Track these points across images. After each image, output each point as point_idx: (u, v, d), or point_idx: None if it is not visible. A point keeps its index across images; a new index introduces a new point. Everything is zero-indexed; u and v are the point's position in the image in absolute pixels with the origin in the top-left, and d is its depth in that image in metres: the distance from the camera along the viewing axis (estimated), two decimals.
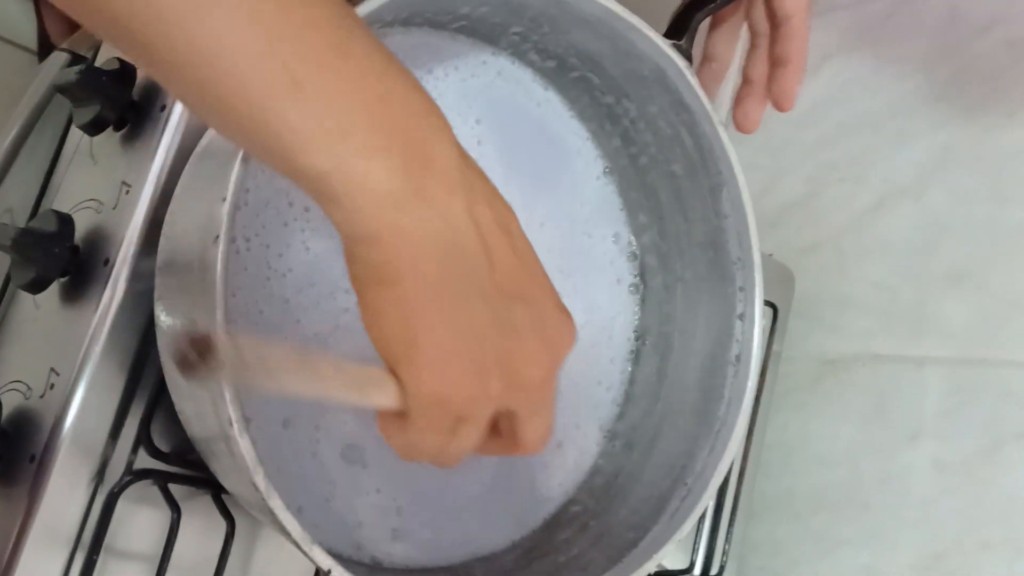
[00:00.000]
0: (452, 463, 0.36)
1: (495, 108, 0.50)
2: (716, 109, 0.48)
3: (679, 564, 0.58)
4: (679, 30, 0.48)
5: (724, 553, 0.59)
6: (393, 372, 0.33)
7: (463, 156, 0.33)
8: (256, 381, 0.31)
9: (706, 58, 0.53)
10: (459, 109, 0.49)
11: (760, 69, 0.51)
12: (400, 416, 0.34)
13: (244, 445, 0.35)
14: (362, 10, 0.38)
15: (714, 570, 0.59)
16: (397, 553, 0.47)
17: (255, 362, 0.31)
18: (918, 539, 0.60)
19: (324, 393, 0.34)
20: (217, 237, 0.35)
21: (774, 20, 0.50)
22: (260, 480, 0.35)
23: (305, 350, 0.33)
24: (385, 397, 0.33)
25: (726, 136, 0.47)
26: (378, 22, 0.42)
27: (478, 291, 0.33)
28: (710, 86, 0.52)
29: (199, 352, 0.29)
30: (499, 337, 0.34)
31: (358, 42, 0.30)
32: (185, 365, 0.29)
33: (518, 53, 0.50)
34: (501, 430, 0.36)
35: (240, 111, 0.29)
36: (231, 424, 0.34)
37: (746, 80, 0.52)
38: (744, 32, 0.53)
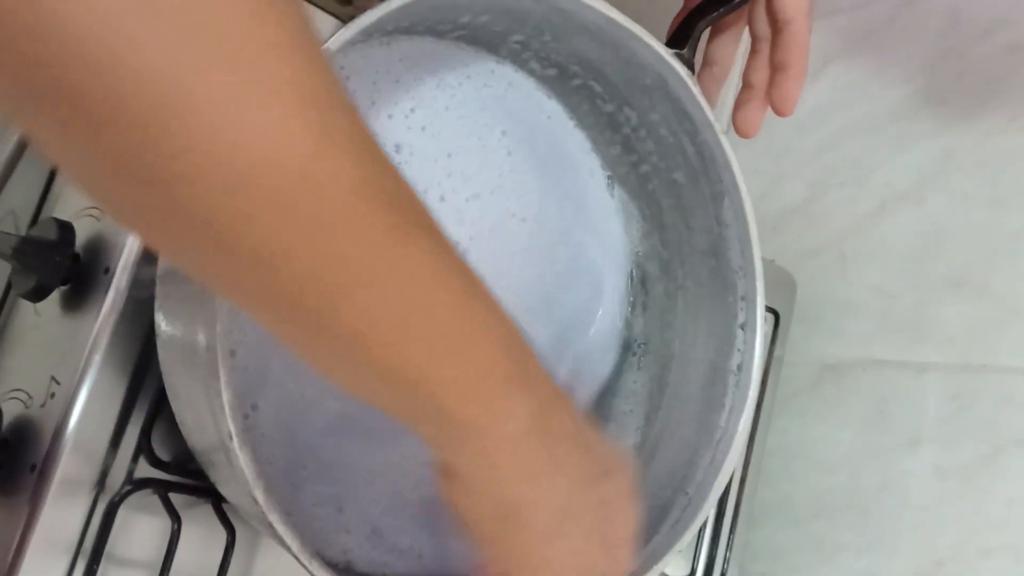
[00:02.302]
0: None
1: (513, 118, 0.50)
2: (717, 115, 0.48)
3: (680, 571, 0.58)
4: (681, 39, 0.48)
5: (725, 560, 0.59)
6: None
7: (547, 376, 0.34)
8: None
9: (706, 62, 0.52)
10: (484, 120, 0.49)
11: (761, 74, 0.51)
12: None
13: (243, 459, 0.35)
14: (364, 21, 0.38)
15: None
16: (392, 565, 0.47)
17: None
18: (918, 545, 0.60)
19: None
20: None
21: (775, 24, 0.50)
22: (259, 494, 0.35)
23: None
24: None
25: (728, 145, 0.47)
26: (379, 31, 0.42)
27: (577, 492, 0.35)
28: (711, 90, 0.52)
29: None
30: (598, 521, 0.37)
31: (471, 279, 0.30)
32: None
33: (519, 62, 0.50)
34: None
35: (381, 372, 0.29)
36: (231, 438, 0.34)
37: (746, 85, 0.51)
38: (745, 36, 0.53)
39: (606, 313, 0.53)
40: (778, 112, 0.51)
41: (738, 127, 0.51)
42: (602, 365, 0.53)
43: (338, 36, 0.37)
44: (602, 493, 0.37)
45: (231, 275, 0.26)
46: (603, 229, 0.53)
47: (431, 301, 0.28)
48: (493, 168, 0.50)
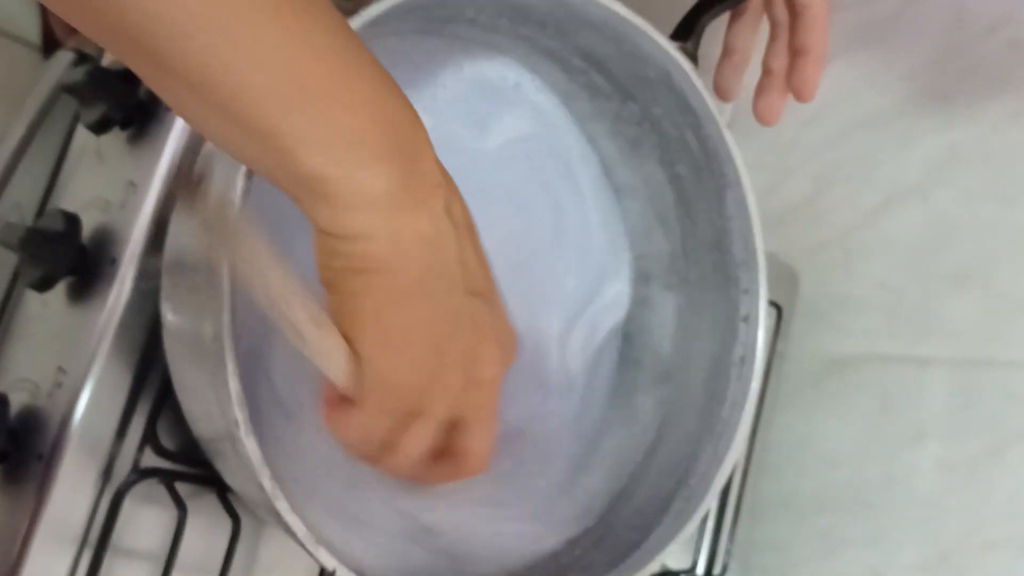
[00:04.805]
0: (398, 466, 0.37)
1: (513, 114, 0.50)
2: (721, 109, 0.48)
3: (682, 564, 0.58)
4: (685, 32, 0.48)
5: (727, 553, 0.60)
6: (352, 348, 0.34)
7: (438, 162, 0.34)
8: (221, 254, 0.31)
9: (726, 51, 0.52)
10: (482, 116, 0.49)
11: (780, 60, 0.51)
12: (348, 401, 0.35)
13: (250, 446, 0.35)
14: (372, 11, 0.38)
15: (717, 569, 0.59)
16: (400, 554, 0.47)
17: (231, 237, 0.31)
18: (922, 539, 0.60)
19: (279, 318, 0.33)
20: None
21: (793, 9, 0.50)
22: (266, 481, 0.35)
23: (292, 277, 0.33)
24: (336, 365, 0.34)
25: (731, 138, 0.48)
26: (379, 31, 0.42)
27: (450, 286, 0.34)
28: (731, 79, 0.52)
29: (186, 191, 0.29)
30: (462, 332, 0.35)
31: (357, 52, 0.32)
32: (177, 191, 0.29)
33: (523, 55, 0.50)
34: (446, 452, 0.37)
35: (247, 118, 0.30)
36: (237, 426, 0.35)
37: (766, 71, 0.51)
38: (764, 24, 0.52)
39: (608, 305, 0.53)
40: (799, 97, 0.50)
41: (759, 114, 0.51)
42: (607, 357, 0.53)
43: None
44: (475, 314, 0.36)
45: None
46: (601, 222, 0.54)
47: (289, 56, 0.29)
48: (490, 165, 0.50)
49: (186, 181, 0.30)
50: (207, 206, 0.30)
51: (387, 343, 0.34)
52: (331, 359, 0.34)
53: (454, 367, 0.35)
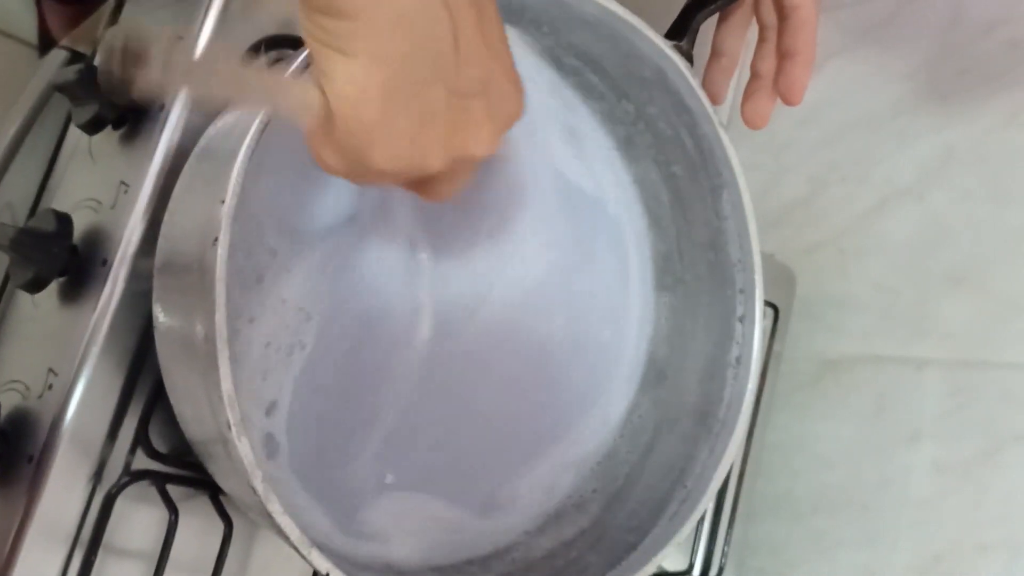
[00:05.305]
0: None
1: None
2: (716, 109, 0.48)
3: (678, 565, 0.58)
4: (680, 31, 0.48)
5: (723, 554, 0.60)
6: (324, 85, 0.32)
7: None
8: (188, 85, 0.31)
9: (714, 54, 0.52)
10: None
11: (768, 62, 0.51)
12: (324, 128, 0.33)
13: (242, 448, 0.35)
14: None
15: (713, 571, 0.59)
16: (391, 552, 0.47)
17: (185, 68, 0.30)
18: (916, 540, 0.60)
19: (250, 99, 0.33)
20: (216, 239, 0.35)
21: (782, 12, 0.49)
22: (258, 484, 0.35)
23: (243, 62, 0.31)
24: (309, 107, 0.32)
25: (727, 138, 0.47)
26: None
27: (432, 79, 0.32)
28: (720, 81, 0.52)
29: (131, 63, 0.28)
30: (449, 123, 0.33)
31: None
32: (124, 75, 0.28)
33: (519, 55, 0.50)
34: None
35: None
36: (229, 428, 0.34)
37: (754, 74, 0.51)
38: (752, 26, 0.52)
39: (603, 306, 0.53)
40: (786, 101, 0.50)
41: (747, 118, 0.51)
42: (600, 359, 0.53)
43: None
44: (469, 108, 0.33)
45: None
46: (595, 222, 0.53)
47: None
48: (490, 171, 0.50)
49: (127, 55, 0.28)
50: (159, 51, 0.28)
51: (356, 131, 0.32)
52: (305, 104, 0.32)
53: (433, 149, 0.33)
